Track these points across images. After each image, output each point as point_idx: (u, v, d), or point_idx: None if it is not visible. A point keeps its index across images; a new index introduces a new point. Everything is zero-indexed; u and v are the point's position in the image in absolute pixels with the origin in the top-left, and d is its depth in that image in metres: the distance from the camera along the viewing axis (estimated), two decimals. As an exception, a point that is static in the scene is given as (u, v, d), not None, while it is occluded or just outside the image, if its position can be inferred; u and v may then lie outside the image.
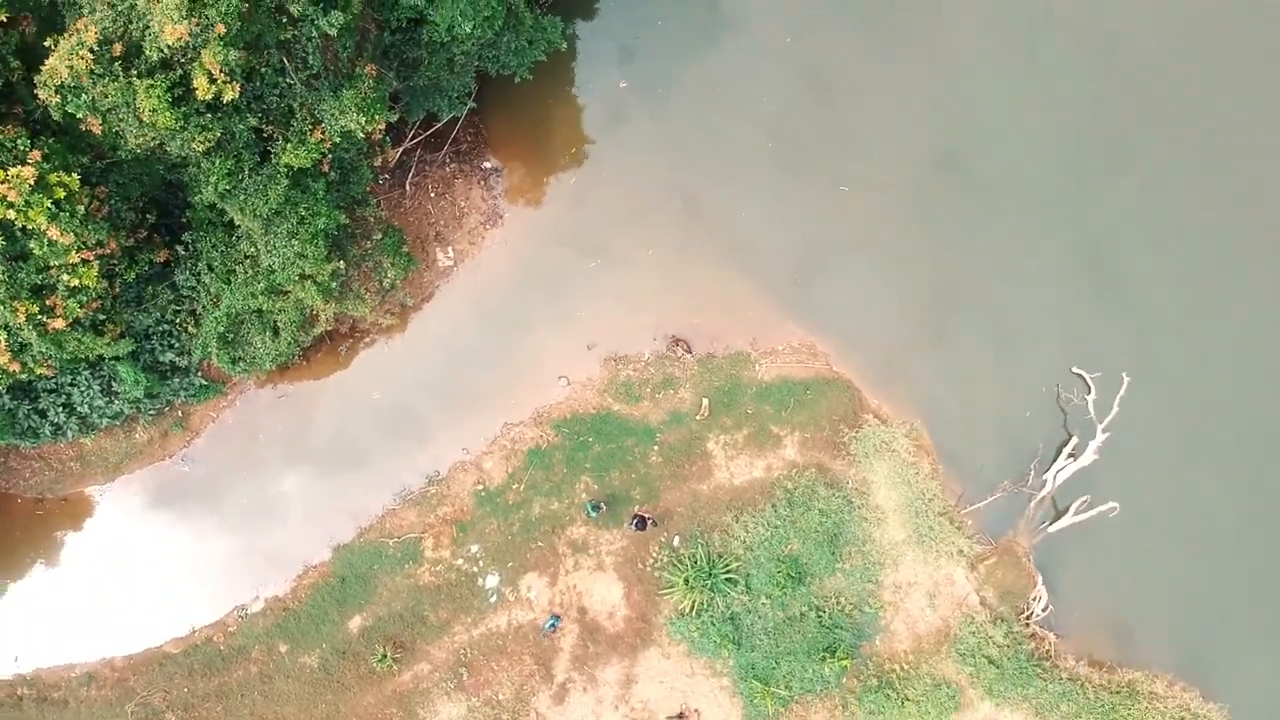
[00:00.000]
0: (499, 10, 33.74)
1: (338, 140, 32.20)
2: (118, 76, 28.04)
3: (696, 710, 36.28)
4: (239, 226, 33.71)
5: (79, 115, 28.64)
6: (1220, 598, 35.93)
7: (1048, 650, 35.98)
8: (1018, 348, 37.61)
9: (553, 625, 36.65)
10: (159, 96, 27.97)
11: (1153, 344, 37.06)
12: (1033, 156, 38.52)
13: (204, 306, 36.02)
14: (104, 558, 38.82)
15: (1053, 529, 36.39)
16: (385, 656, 36.56)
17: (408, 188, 40.00)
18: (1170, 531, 36.28)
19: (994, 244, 38.26)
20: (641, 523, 36.74)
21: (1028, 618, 36.22)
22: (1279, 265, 37.12)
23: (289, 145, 31.34)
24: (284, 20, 29.43)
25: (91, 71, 27.74)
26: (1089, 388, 36.52)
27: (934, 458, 37.43)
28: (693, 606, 36.17)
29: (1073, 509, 36.37)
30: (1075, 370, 36.90)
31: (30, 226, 28.67)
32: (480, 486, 38.23)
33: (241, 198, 31.86)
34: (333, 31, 29.29)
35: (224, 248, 34.96)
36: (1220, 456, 36.46)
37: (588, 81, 40.78)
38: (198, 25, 26.88)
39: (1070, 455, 36.51)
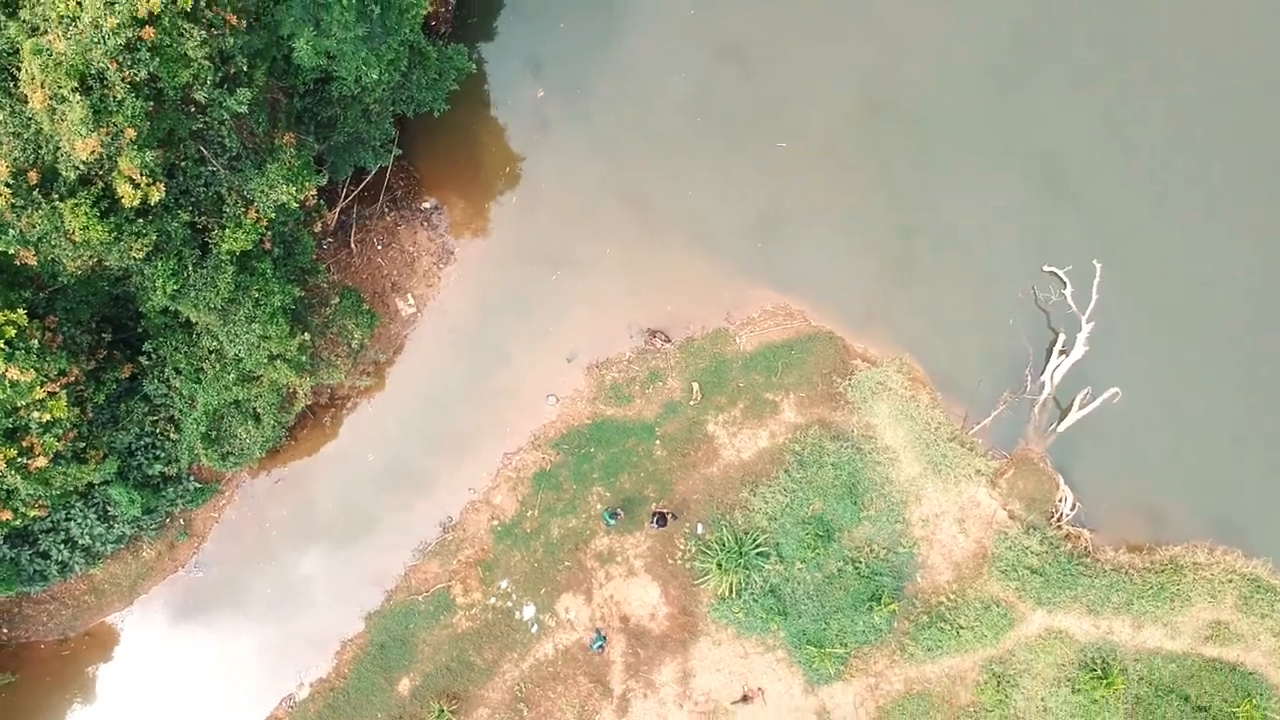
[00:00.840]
0: (401, 51, 33.69)
1: (273, 216, 32.07)
2: (40, 204, 27.82)
3: (759, 689, 36.38)
4: (196, 323, 33.42)
5: (10, 251, 28.38)
6: (1239, 454, 36.22)
7: (1085, 547, 36.33)
8: (985, 261, 37.77)
9: (599, 646, 36.66)
10: (86, 213, 27.77)
11: (1114, 226, 37.25)
12: (962, 75, 38.64)
13: (181, 410, 35.67)
14: (141, 682, 38.57)
15: (1062, 428, 36.65)
16: (442, 712, 36.45)
17: (353, 246, 39.84)
18: (1176, 401, 36.52)
19: (939, 166, 38.32)
20: (661, 519, 36.75)
21: (1058, 520, 36.55)
22: (1220, 126, 37.34)
23: (226, 231, 31.18)
24: (192, 110, 29.36)
25: (12, 205, 27.52)
26: (1064, 283, 36.73)
27: (930, 387, 37.63)
28: (731, 588, 36.23)
29: (1076, 404, 36.62)
30: (1047, 269, 37.13)
31: (-13, 373, 28.38)
32: (495, 522, 38.17)
33: (192, 294, 31.61)
34: (243, 109, 29.25)
35: (187, 348, 34.63)
36: (1209, 315, 36.72)
37: (505, 99, 40.70)
38: (108, 135, 26.76)
39: (1062, 352, 36.71)
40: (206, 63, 27.78)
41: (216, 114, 29.48)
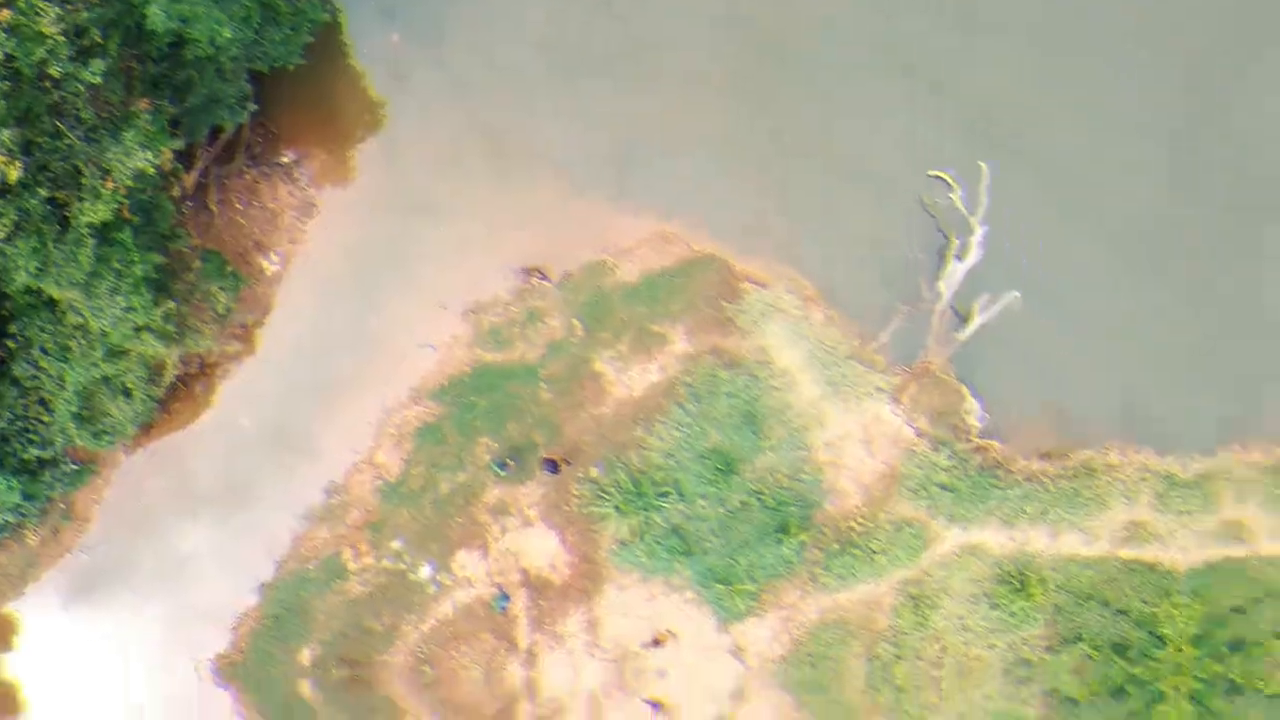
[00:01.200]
0: (253, 7, 42.91)
1: (131, 184, 40.43)
2: (-103, 193, 35.94)
3: (669, 631, 47.47)
4: (60, 301, 42.46)
5: None
6: (1144, 352, 46.99)
7: (995, 459, 46.98)
8: (866, 170, 48.39)
9: (503, 606, 48.14)
10: (-56, 198, 35.90)
11: (995, 125, 47.93)
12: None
13: (51, 391, 45.18)
14: (43, 669, 51.06)
15: (963, 336, 47.08)
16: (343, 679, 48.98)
17: (214, 207, 51.01)
18: (1076, 301, 47.09)
19: (809, 75, 49.26)
20: (553, 465, 47.64)
21: (966, 433, 47.18)
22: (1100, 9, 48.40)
23: (85, 204, 39.64)
24: (47, 85, 38.11)
25: None
26: (950, 186, 47.43)
27: (823, 304, 48.07)
28: (632, 532, 46.90)
29: (976, 310, 46.84)
30: (931, 173, 47.80)
31: None
32: (380, 481, 49.84)
33: (54, 271, 39.82)
34: (97, 80, 38.11)
35: (52, 326, 43.69)
36: (1100, 212, 47.38)
37: (361, 47, 51.70)
38: (-38, 118, 35.37)
39: (956, 258, 46.85)
40: (61, 38, 36.19)
41: (72, 87, 38.23)
